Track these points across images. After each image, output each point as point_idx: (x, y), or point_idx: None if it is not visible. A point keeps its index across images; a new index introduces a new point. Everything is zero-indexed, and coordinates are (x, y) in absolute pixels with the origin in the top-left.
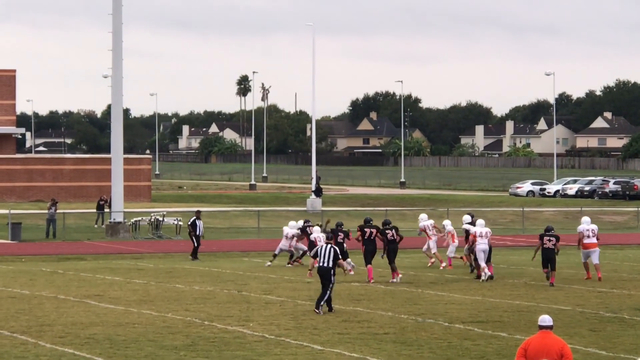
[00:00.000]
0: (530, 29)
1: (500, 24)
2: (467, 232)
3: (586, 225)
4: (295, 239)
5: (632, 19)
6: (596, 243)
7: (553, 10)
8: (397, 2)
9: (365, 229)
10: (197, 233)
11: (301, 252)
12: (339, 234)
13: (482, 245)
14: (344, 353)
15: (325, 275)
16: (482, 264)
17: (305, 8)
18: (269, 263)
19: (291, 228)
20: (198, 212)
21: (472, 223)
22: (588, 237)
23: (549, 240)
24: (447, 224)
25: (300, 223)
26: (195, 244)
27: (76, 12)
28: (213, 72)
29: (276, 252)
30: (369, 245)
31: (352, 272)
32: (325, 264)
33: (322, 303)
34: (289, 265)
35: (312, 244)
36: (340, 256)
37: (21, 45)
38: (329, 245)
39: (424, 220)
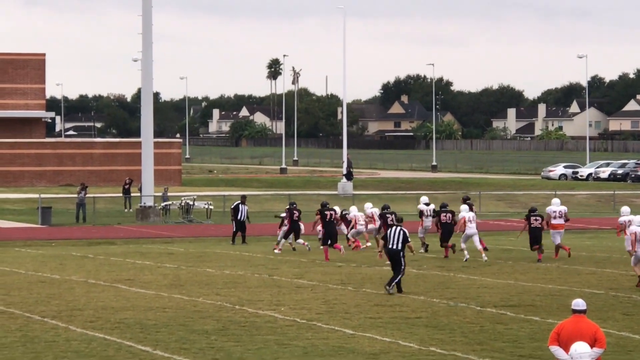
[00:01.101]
0: (560, 11)
1: (529, 6)
2: (420, 212)
3: (555, 207)
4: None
5: None
6: (563, 224)
7: None
8: None
9: (325, 212)
10: (238, 217)
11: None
12: (294, 212)
13: (470, 230)
14: (375, 337)
15: (395, 257)
16: (463, 245)
17: None
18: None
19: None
20: (243, 197)
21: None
22: (555, 218)
23: (536, 220)
24: (354, 210)
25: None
26: (235, 228)
27: None
28: (243, 55)
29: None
30: (328, 227)
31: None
32: (395, 246)
33: (393, 283)
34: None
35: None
36: (409, 239)
37: (50, 28)
38: (399, 228)
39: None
